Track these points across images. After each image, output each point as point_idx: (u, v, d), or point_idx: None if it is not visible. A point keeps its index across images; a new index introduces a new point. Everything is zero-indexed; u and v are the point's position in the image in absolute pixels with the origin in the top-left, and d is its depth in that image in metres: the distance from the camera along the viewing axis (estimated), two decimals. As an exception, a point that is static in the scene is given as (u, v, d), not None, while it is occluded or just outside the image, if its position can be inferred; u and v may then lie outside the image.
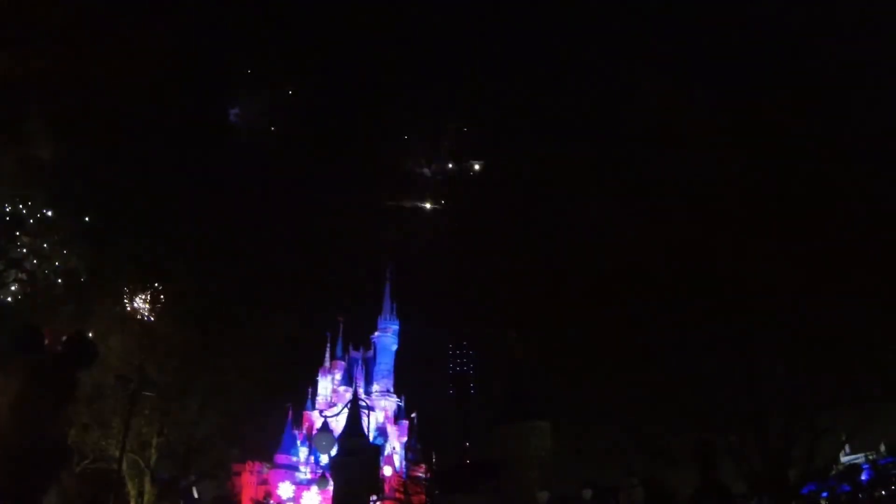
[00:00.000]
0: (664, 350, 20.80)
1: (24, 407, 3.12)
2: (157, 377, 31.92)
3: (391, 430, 58.24)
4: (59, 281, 28.46)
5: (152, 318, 32.52)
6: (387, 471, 52.62)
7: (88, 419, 28.11)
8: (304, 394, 61.56)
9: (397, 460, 54.85)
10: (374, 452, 52.03)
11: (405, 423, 59.15)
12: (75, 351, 3.35)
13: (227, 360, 32.73)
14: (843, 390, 18.89)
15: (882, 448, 42.62)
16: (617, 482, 31.99)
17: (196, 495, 34.39)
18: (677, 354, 20.62)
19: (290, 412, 57.87)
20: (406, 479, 49.95)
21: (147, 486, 29.94)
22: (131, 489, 29.70)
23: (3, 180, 24.61)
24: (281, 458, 55.60)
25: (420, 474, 50.66)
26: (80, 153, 24.21)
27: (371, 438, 54.31)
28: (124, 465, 30.04)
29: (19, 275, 26.93)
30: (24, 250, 27.17)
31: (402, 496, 46.04)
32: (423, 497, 44.52)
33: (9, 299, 26.59)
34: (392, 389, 63.13)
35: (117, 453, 30.20)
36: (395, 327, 66.70)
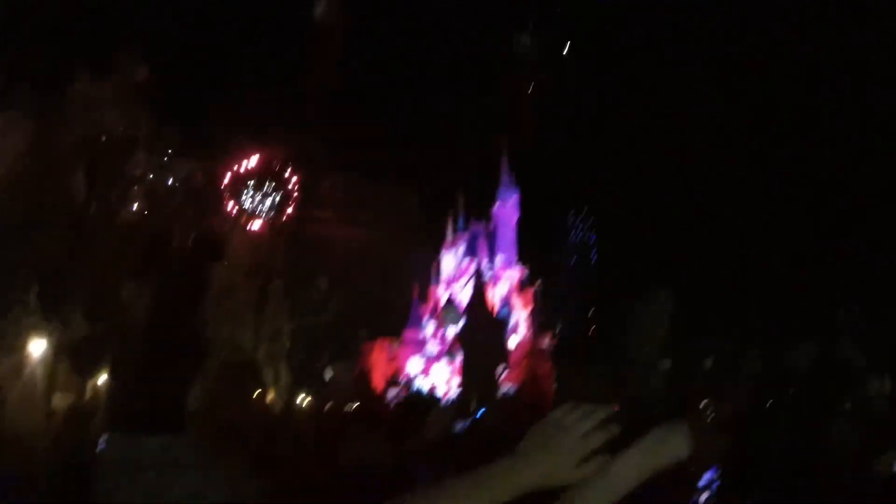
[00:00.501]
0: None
1: (162, 306, 3.35)
2: (282, 267, 33.47)
3: (516, 300, 58.86)
4: (179, 187, 29.87)
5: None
6: (512, 341, 53.66)
7: (221, 314, 29.81)
8: (428, 270, 62.57)
9: (523, 330, 55.66)
10: (500, 324, 53.05)
11: (530, 292, 59.50)
12: (204, 248, 3.53)
13: (350, 244, 33.82)
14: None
15: None
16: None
17: (329, 377, 36.16)
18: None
19: (416, 289, 59.20)
20: (532, 349, 50.89)
21: (282, 373, 31.98)
22: (267, 376, 31.70)
23: (108, 104, 25.65)
24: (409, 334, 57.37)
25: (545, 344, 51.42)
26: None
27: (496, 310, 55.29)
28: (259, 354, 32.14)
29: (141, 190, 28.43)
30: (142, 168, 28.51)
31: (528, 365, 47.03)
32: (550, 366, 45.30)
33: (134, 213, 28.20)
34: (515, 260, 63.25)
35: (251, 345, 32.36)
36: (516, 197, 66.08)
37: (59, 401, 21.11)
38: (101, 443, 3.19)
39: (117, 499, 2.97)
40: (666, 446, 1.82)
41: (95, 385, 19.70)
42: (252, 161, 31.96)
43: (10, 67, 23.89)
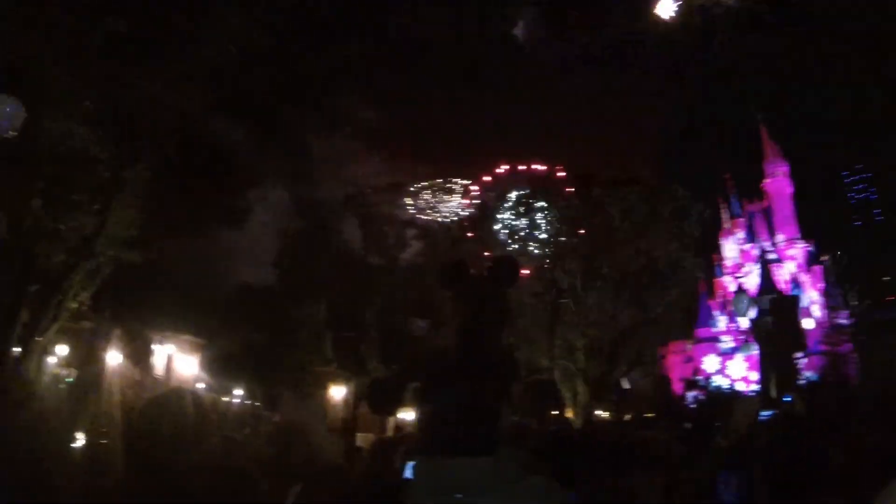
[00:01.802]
0: None
1: (472, 327, 3.41)
2: (565, 282, 34.63)
3: (805, 278, 55.91)
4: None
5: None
6: (808, 323, 51.13)
7: (515, 337, 31.38)
8: (710, 262, 60.92)
9: (816, 310, 52.75)
10: (792, 305, 50.60)
11: (818, 268, 56.23)
12: (501, 271, 3.58)
13: (628, 249, 34.17)
14: None
15: None
16: None
17: (627, 385, 36.61)
18: None
19: (703, 284, 57.93)
20: (829, 328, 48.16)
21: (580, 387, 33.00)
22: (565, 392, 32.85)
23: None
24: (701, 331, 56.25)
25: (843, 320, 48.40)
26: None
27: (787, 292, 52.89)
28: (556, 372, 33.48)
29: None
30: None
31: (828, 346, 44.67)
32: (850, 344, 42.74)
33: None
34: (798, 235, 59.95)
35: (547, 363, 33.79)
36: (785, 168, 62.64)
37: (362, 440, 23.49)
38: (413, 469, 3.30)
39: None
40: None
41: (396, 421, 21.60)
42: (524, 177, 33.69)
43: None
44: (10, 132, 9.64)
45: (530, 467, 3.21)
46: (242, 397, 31.99)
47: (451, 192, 33.51)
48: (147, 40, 15.36)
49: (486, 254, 30.97)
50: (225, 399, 30.19)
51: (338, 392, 31.94)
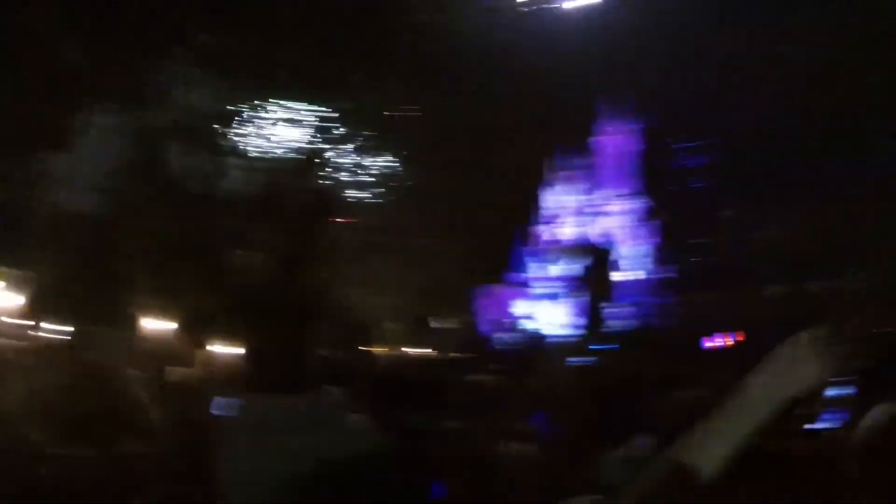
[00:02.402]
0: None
1: (288, 260, 3.85)
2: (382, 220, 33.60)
3: (625, 233, 57.69)
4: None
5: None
6: (624, 275, 52.89)
7: (330, 273, 30.16)
8: (530, 209, 61.58)
9: (629, 264, 54.72)
10: (607, 258, 52.24)
11: (640, 224, 58.17)
12: (317, 205, 4.01)
13: (450, 189, 33.59)
14: None
15: None
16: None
17: (436, 325, 36.39)
18: None
19: (520, 230, 58.50)
20: (647, 281, 50.08)
21: (393, 325, 32.24)
22: (384, 329, 31.96)
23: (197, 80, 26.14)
24: (514, 276, 56.88)
25: (660, 275, 50.45)
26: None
27: (601, 244, 54.44)
28: (370, 309, 32.50)
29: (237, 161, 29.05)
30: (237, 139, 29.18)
31: (639, 301, 46.37)
32: (661, 300, 44.59)
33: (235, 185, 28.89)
34: (622, 191, 61.68)
35: (361, 299, 32.72)
36: (618, 129, 64.07)
37: (175, 374, 21.76)
38: (225, 406, 3.32)
39: (246, 461, 3.01)
40: (799, 367, 1.79)
41: (210, 354, 20.21)
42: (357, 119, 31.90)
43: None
44: None
45: (347, 406, 3.32)
46: (52, 332, 29.18)
47: (282, 122, 31.26)
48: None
49: (307, 188, 29.58)
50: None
51: (152, 324, 29.63)
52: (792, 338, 1.84)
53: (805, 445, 2.92)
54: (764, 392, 1.75)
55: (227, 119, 29.06)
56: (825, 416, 3.26)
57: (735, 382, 1.81)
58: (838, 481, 2.30)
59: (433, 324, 31.78)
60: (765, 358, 1.83)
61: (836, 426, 3.23)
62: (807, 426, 3.14)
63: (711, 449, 1.73)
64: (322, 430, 3.03)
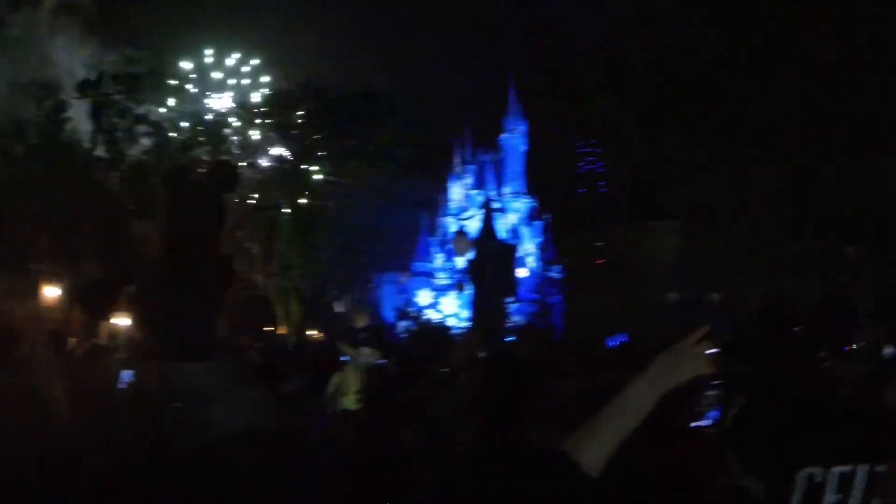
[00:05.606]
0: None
1: (188, 232, 3.38)
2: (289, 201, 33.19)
3: (525, 231, 58.79)
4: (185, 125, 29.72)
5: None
6: (522, 272, 53.79)
7: (232, 249, 29.81)
8: (436, 202, 62.28)
9: (532, 261, 55.75)
10: (509, 253, 53.07)
11: (538, 223, 59.35)
12: (219, 176, 3.56)
13: (355, 176, 33.39)
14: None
15: None
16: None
17: (340, 309, 36.47)
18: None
19: (424, 221, 59.08)
20: (541, 280, 51.09)
21: (293, 306, 32.14)
22: (279, 310, 31.89)
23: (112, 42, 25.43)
24: (418, 266, 57.54)
25: (554, 274, 51.59)
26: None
27: (506, 241, 55.27)
28: (271, 289, 32.37)
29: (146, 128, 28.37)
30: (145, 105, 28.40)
31: (537, 296, 47.32)
32: (561, 297, 45.65)
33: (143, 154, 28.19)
34: (523, 191, 62.83)
35: (262, 279, 32.55)
36: (523, 128, 65.17)
37: (76, 345, 21.23)
38: (129, 375, 3.29)
39: (148, 426, 3.05)
40: (674, 369, 1.98)
41: (111, 325, 19.88)
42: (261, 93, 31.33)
43: None
44: None
45: (245, 380, 3.29)
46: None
47: (185, 90, 30.49)
48: None
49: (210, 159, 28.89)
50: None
51: (52, 293, 28.48)
52: (674, 345, 1.97)
53: (689, 441, 3.22)
54: (646, 394, 1.89)
55: (131, 82, 28.20)
56: (707, 414, 3.77)
57: (620, 382, 1.95)
58: (718, 467, 2.40)
59: (337, 308, 31.81)
60: (648, 362, 1.96)
61: (713, 422, 3.73)
62: (692, 424, 3.59)
63: (594, 445, 1.87)
64: (220, 402, 3.03)
